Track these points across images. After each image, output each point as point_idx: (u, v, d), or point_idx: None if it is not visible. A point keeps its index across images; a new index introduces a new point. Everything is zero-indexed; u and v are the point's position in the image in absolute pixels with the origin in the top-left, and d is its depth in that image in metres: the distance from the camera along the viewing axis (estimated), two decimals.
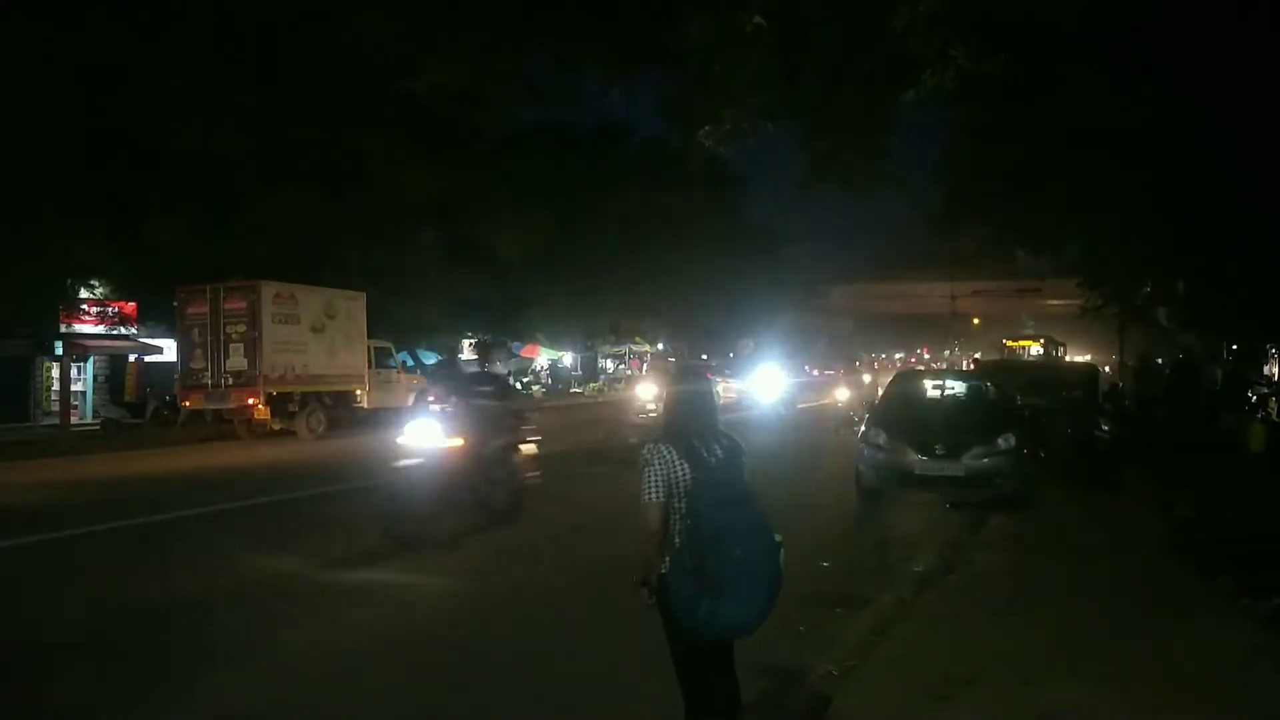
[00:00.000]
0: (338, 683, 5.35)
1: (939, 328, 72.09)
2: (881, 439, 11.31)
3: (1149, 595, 7.02)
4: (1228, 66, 9.53)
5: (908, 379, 16.04)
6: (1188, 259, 15.85)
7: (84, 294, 25.43)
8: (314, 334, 21.14)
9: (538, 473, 10.31)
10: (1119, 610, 6.58)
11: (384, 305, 24.54)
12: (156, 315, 24.90)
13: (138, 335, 26.87)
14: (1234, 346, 25.32)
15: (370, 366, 23.01)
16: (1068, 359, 42.92)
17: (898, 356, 77.74)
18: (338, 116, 21.50)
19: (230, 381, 19.98)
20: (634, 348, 52.67)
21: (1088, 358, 39.93)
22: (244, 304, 19.99)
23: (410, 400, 22.71)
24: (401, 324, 27.91)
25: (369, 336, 23.10)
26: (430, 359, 34.67)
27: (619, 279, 38.08)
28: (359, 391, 22.78)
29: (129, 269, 21.80)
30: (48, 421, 24.82)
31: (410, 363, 28.16)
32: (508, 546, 8.99)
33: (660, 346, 51.02)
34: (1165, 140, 11.16)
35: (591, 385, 45.14)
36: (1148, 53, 9.67)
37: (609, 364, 51.75)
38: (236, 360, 19.94)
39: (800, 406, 25.91)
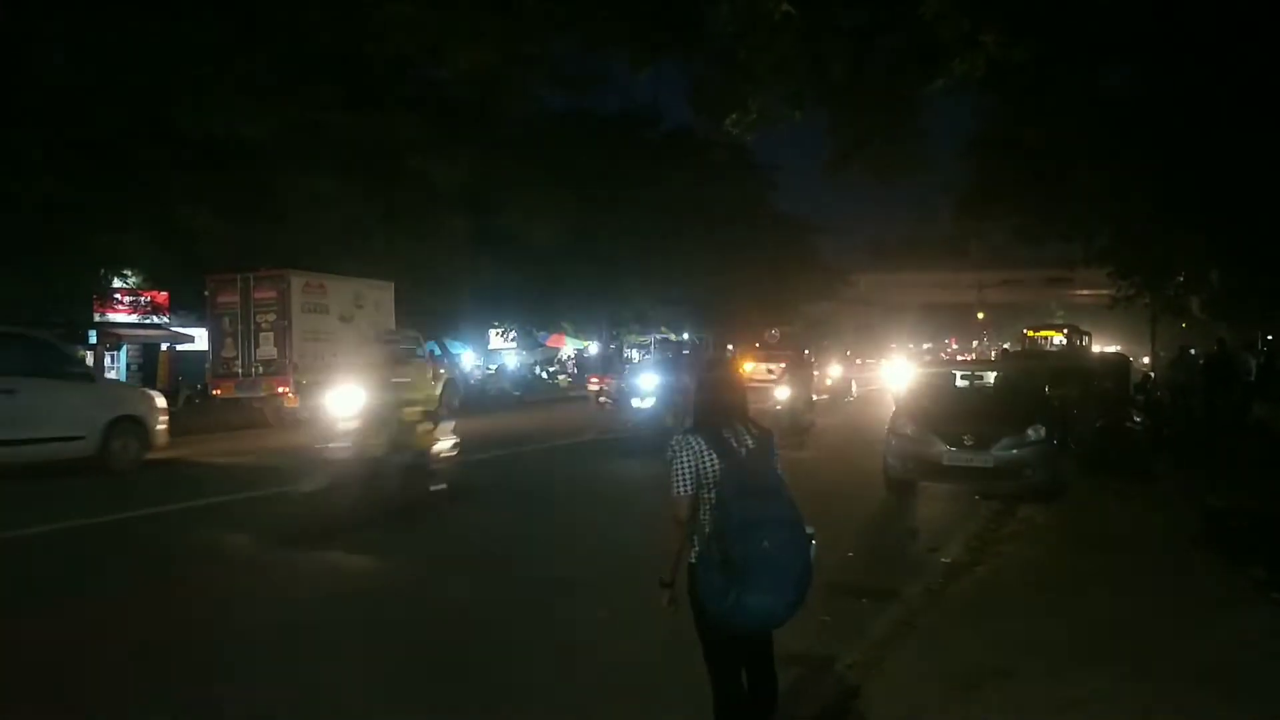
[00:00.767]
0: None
1: (967, 318, 71.54)
2: (909, 429, 11.25)
3: (1179, 587, 6.94)
4: (1268, 43, 9.35)
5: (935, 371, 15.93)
6: (1222, 246, 15.60)
7: (117, 283, 25.75)
8: (342, 323, 21.30)
9: None
10: (1149, 602, 6.51)
11: (412, 294, 24.65)
12: (188, 304, 25.18)
13: (169, 324, 27.19)
14: (1269, 336, 24.94)
15: None
16: (1094, 349, 42.13)
17: (925, 347, 77.13)
18: (366, 104, 21.61)
19: (260, 370, 20.19)
20: (659, 337, 52.60)
21: (1118, 348, 39.33)
22: (274, 293, 20.17)
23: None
24: (429, 313, 28.03)
25: (397, 325, 23.22)
26: (458, 348, 34.89)
27: (645, 267, 38.01)
28: None
29: (160, 258, 22.02)
30: None
31: (438, 352, 28.28)
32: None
33: (685, 335, 50.93)
34: (1200, 122, 10.99)
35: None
36: (1185, 29, 9.50)
37: (634, 354, 51.77)
38: (266, 349, 20.14)
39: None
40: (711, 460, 3.48)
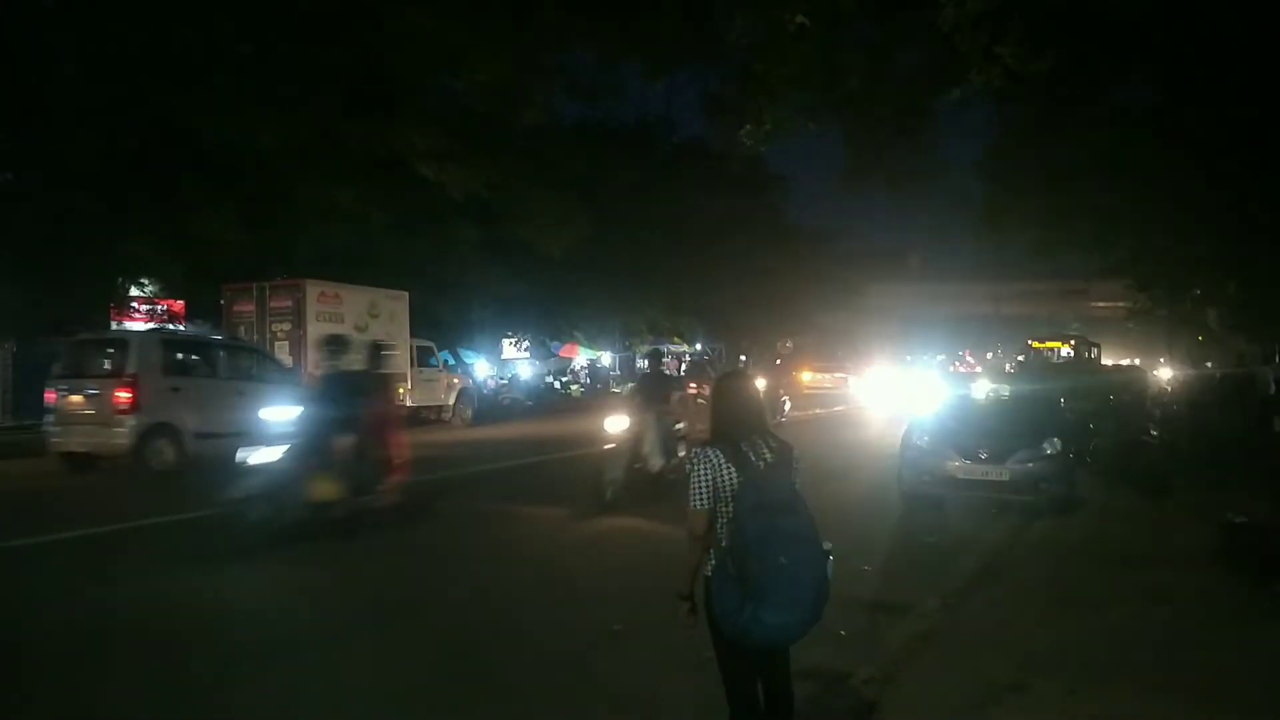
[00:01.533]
0: None
1: (981, 329, 71.22)
2: (924, 442, 11.18)
3: (1199, 603, 6.86)
4: None
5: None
6: (1241, 259, 15.50)
7: (134, 291, 25.92)
8: (357, 333, 21.36)
9: None
10: (1168, 618, 6.45)
11: (426, 304, 24.73)
12: (204, 313, 25.32)
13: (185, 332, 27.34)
14: None
15: (413, 365, 23.22)
16: (1102, 360, 41.28)
17: (939, 358, 76.74)
18: (381, 114, 21.74)
19: None
20: (672, 347, 52.57)
21: (1135, 361, 38.91)
22: (289, 302, 20.24)
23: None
24: (443, 322, 28.09)
25: (411, 335, 23.31)
26: (471, 357, 34.96)
27: (658, 277, 38.03)
28: (401, 390, 22.99)
29: (177, 266, 22.19)
30: None
31: (452, 361, 28.36)
32: None
33: (699, 347, 50.87)
34: (1221, 136, 10.93)
35: (630, 385, 44.86)
36: (1206, 45, 9.46)
37: (646, 364, 51.67)
38: (282, 358, 20.21)
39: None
40: (729, 473, 3.45)
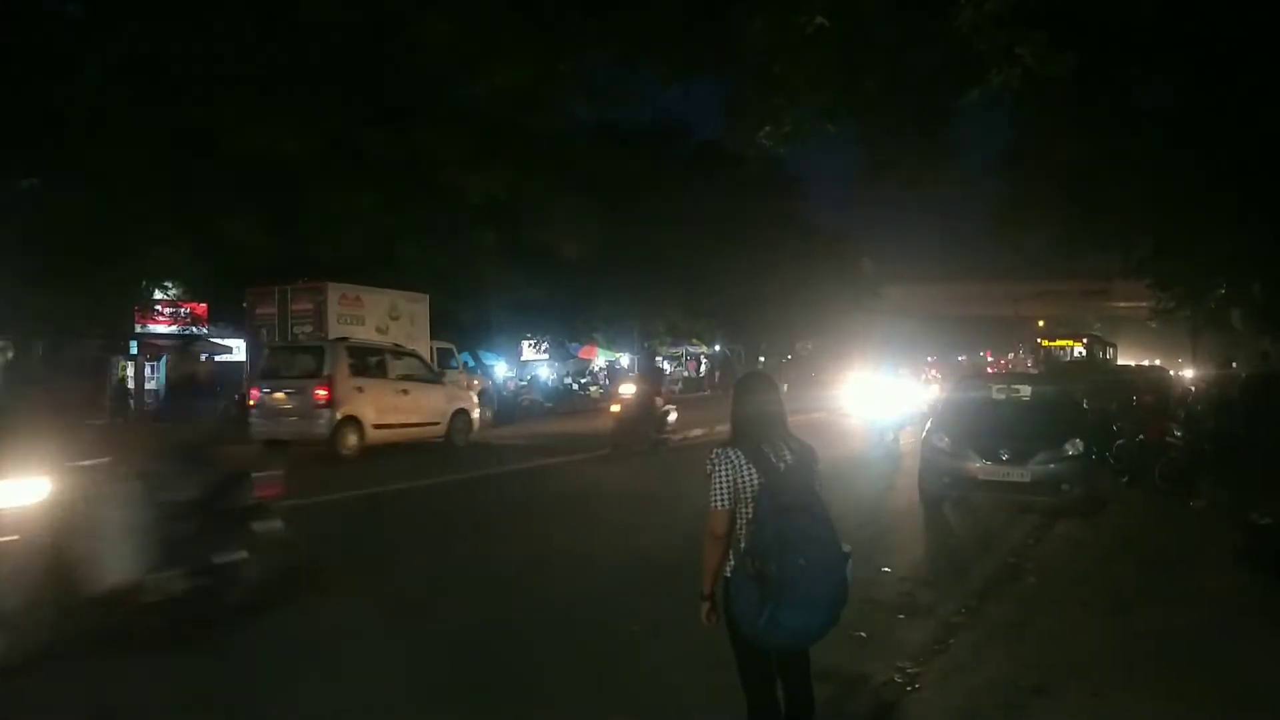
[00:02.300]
0: None
1: (1002, 330, 70.70)
2: (945, 443, 11.14)
3: (1223, 605, 6.82)
4: None
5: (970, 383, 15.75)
6: (1265, 259, 15.34)
7: (158, 295, 26.20)
8: (378, 335, 21.50)
9: None
10: (1192, 620, 6.40)
11: (446, 306, 24.85)
12: (226, 316, 25.56)
13: (209, 335, 27.61)
14: None
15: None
16: (1119, 360, 40.33)
17: (960, 359, 76.24)
18: (401, 119, 21.87)
19: None
20: (691, 349, 52.52)
21: (1157, 361, 38.45)
22: (311, 305, 20.38)
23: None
24: (463, 325, 28.22)
25: (431, 337, 23.40)
26: (491, 359, 35.10)
27: (677, 279, 38.05)
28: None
29: (200, 270, 22.42)
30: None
31: (472, 363, 28.47)
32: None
33: (718, 348, 50.83)
34: (1244, 136, 10.83)
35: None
36: (1228, 44, 9.38)
37: (666, 365, 51.72)
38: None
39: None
40: (750, 475, 3.46)
